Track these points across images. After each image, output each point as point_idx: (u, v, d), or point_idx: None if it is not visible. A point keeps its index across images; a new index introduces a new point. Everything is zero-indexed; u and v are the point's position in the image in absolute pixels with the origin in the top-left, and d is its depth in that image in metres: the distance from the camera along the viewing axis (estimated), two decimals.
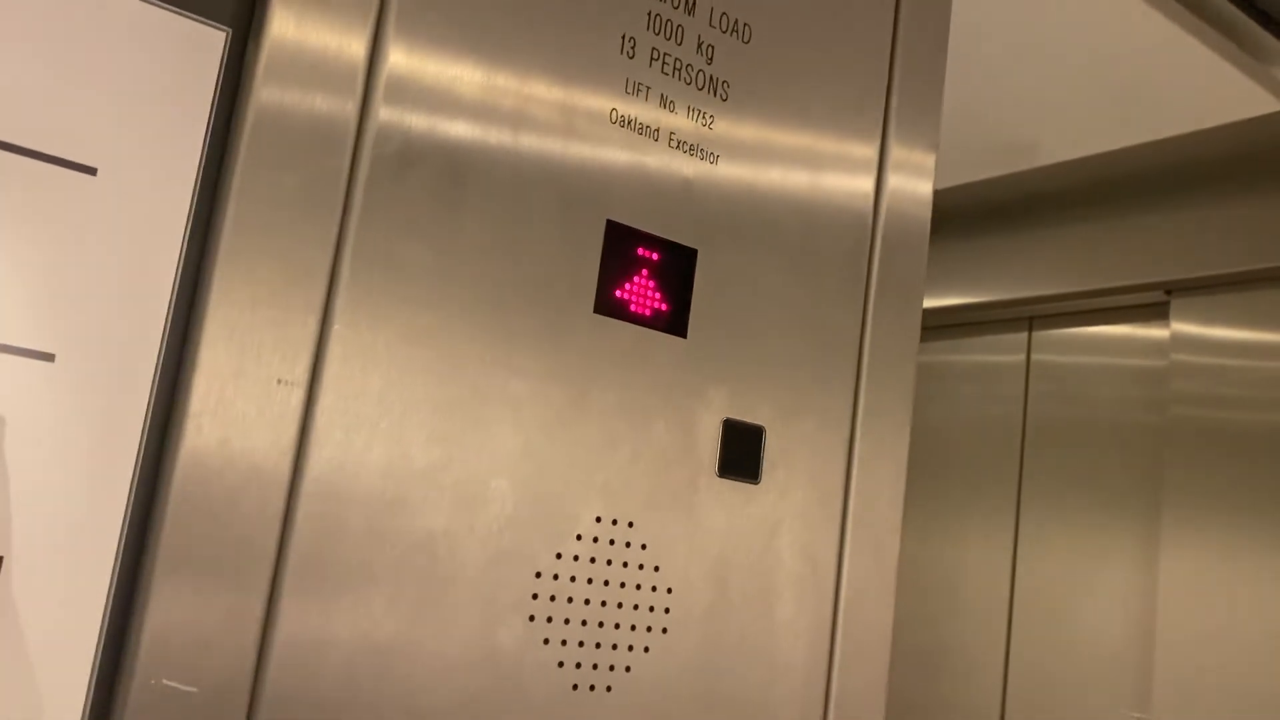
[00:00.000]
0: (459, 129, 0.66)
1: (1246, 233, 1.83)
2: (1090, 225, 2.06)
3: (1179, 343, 1.95)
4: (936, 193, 2.24)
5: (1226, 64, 1.49)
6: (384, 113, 0.63)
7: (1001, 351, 2.33)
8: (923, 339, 2.60)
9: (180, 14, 0.58)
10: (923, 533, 2.41)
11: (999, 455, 2.28)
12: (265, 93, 0.59)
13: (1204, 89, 1.58)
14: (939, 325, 2.44)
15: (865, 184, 0.87)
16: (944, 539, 2.36)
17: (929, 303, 2.35)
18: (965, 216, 2.27)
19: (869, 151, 0.87)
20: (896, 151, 0.89)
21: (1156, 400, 1.99)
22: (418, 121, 0.65)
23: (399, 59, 0.64)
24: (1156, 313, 2.02)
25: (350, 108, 0.63)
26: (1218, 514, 1.83)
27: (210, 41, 0.59)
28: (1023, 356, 2.28)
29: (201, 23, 0.58)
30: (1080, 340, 2.20)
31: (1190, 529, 1.87)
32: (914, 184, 0.90)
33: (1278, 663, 1.73)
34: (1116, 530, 2.04)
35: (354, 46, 0.63)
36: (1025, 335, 2.28)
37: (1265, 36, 1.36)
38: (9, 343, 0.53)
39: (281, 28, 0.60)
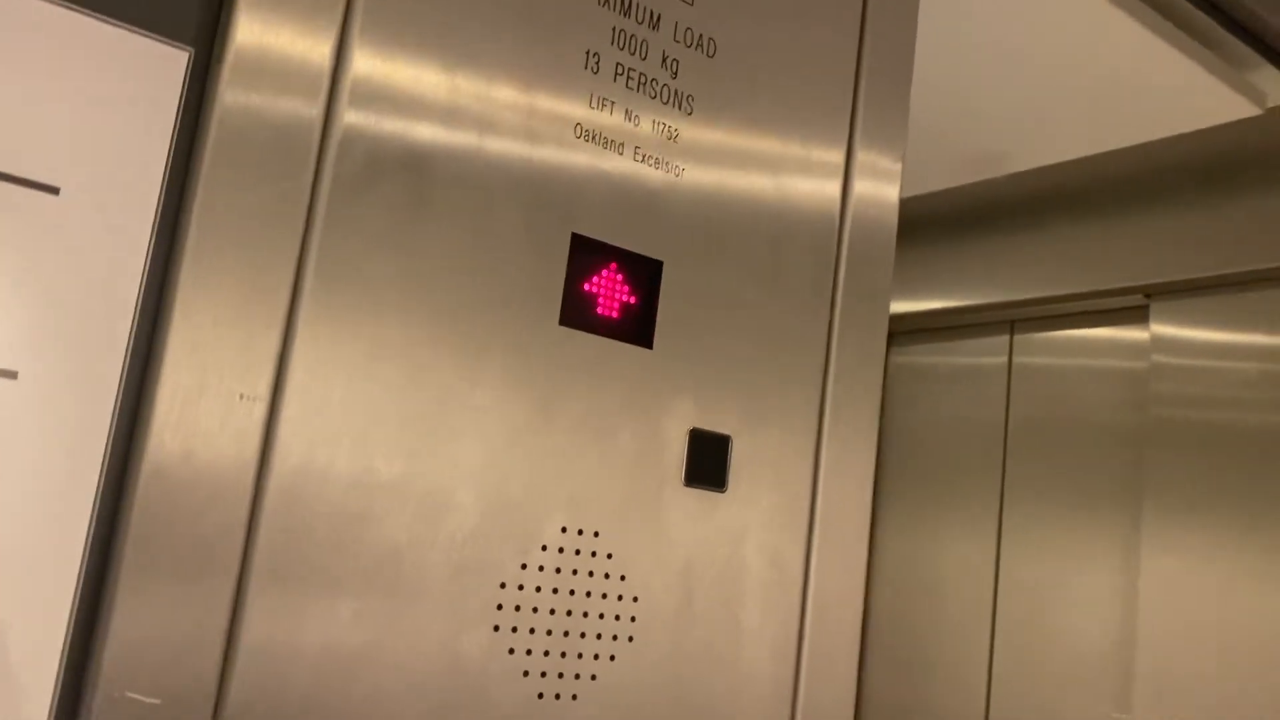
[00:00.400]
0: (424, 143, 0.67)
1: (1223, 237, 1.84)
2: (1070, 230, 2.08)
3: (1159, 344, 1.96)
4: (919, 198, 2.27)
5: (1202, 70, 1.51)
6: (347, 130, 0.64)
7: (984, 354, 2.35)
8: (906, 342, 2.63)
9: (143, 35, 0.58)
10: (907, 534, 2.42)
11: (982, 457, 2.29)
12: (227, 111, 0.60)
13: (1180, 95, 1.59)
14: (923, 329, 2.45)
15: (831, 193, 0.88)
16: (928, 540, 2.37)
17: (913, 306, 2.37)
18: (947, 221, 2.28)
19: (835, 161, 0.88)
20: (862, 159, 0.90)
21: (1137, 401, 2.01)
22: (382, 138, 0.65)
23: (362, 78, 0.65)
24: (1136, 315, 2.04)
25: (313, 124, 0.63)
26: (1198, 514, 1.85)
27: (173, 61, 0.59)
28: (1005, 359, 2.30)
29: (165, 43, 0.59)
30: (1062, 343, 2.21)
31: (1170, 529, 1.88)
32: (880, 191, 0.91)
33: (1257, 662, 1.74)
34: (1099, 531, 2.05)
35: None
36: (1007, 338, 2.30)
37: (1237, 44, 1.38)
38: None
39: (243, 49, 0.61)
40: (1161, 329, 1.96)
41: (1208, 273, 1.86)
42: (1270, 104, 1.60)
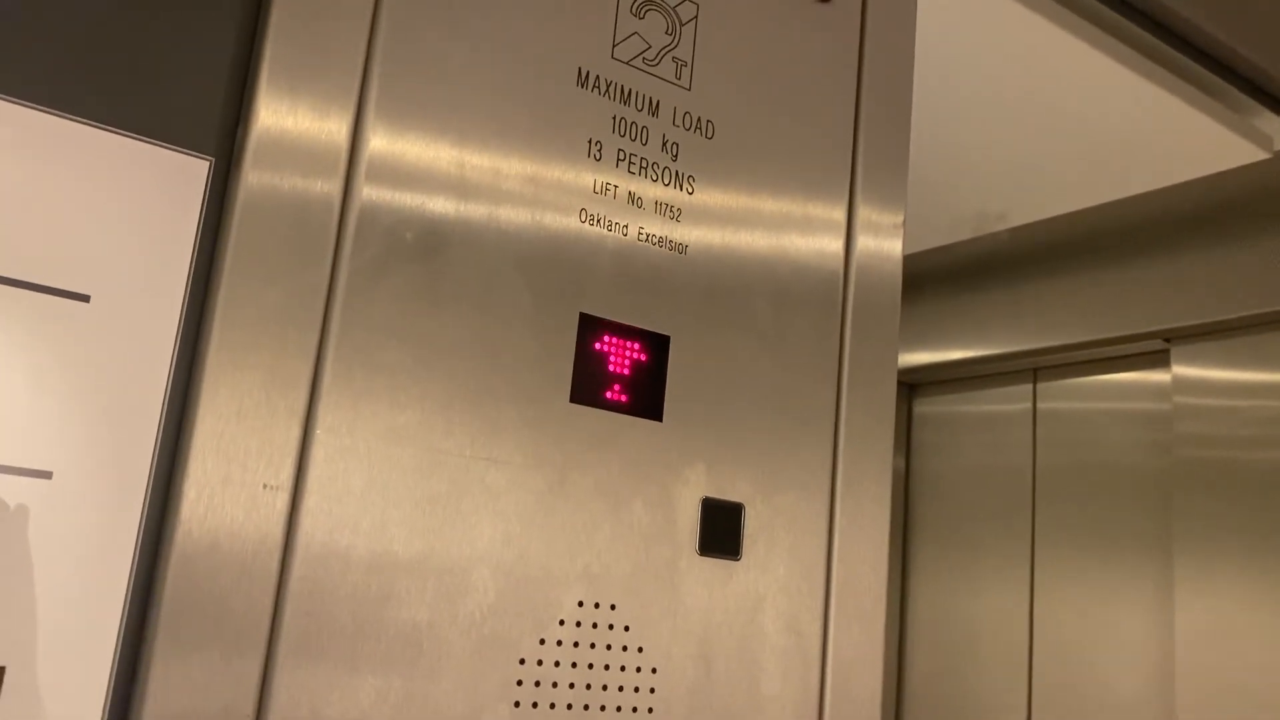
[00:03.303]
0: (436, 220, 0.70)
1: (1240, 279, 1.85)
2: (1089, 277, 2.09)
3: (1180, 386, 1.96)
4: (937, 251, 2.28)
5: (1206, 118, 1.53)
6: (364, 206, 0.67)
7: (1008, 402, 2.35)
8: (931, 393, 2.62)
9: (167, 148, 0.62)
10: (939, 585, 2.40)
11: (1012, 504, 2.28)
12: (248, 199, 0.64)
13: (1185, 143, 1.60)
14: (946, 379, 2.46)
15: (834, 253, 0.90)
16: (961, 590, 2.36)
17: (936, 357, 2.38)
18: (966, 273, 2.30)
19: (835, 231, 0.91)
20: (863, 226, 0.92)
21: (1163, 443, 2.00)
22: (397, 213, 0.69)
23: (378, 155, 0.68)
24: (1158, 359, 2.04)
25: (332, 201, 0.66)
26: (1228, 554, 1.83)
27: (194, 170, 0.63)
28: (1029, 406, 2.30)
29: (186, 154, 0.63)
30: (1085, 388, 2.21)
31: (1202, 570, 1.86)
32: (881, 258, 0.93)
33: None
34: (1132, 575, 2.04)
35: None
36: (1030, 386, 2.30)
37: (1240, 94, 1.40)
38: (9, 463, 0.56)
39: (262, 135, 0.65)
40: (1183, 371, 1.96)
41: (1226, 315, 1.86)
42: (1278, 147, 1.61)
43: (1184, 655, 1.86)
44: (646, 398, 0.78)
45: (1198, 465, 1.90)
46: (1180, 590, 1.88)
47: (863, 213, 0.92)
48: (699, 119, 0.83)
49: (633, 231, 0.79)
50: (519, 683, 0.70)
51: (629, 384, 0.77)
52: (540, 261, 0.74)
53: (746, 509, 0.82)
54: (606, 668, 0.74)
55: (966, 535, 2.37)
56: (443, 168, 0.71)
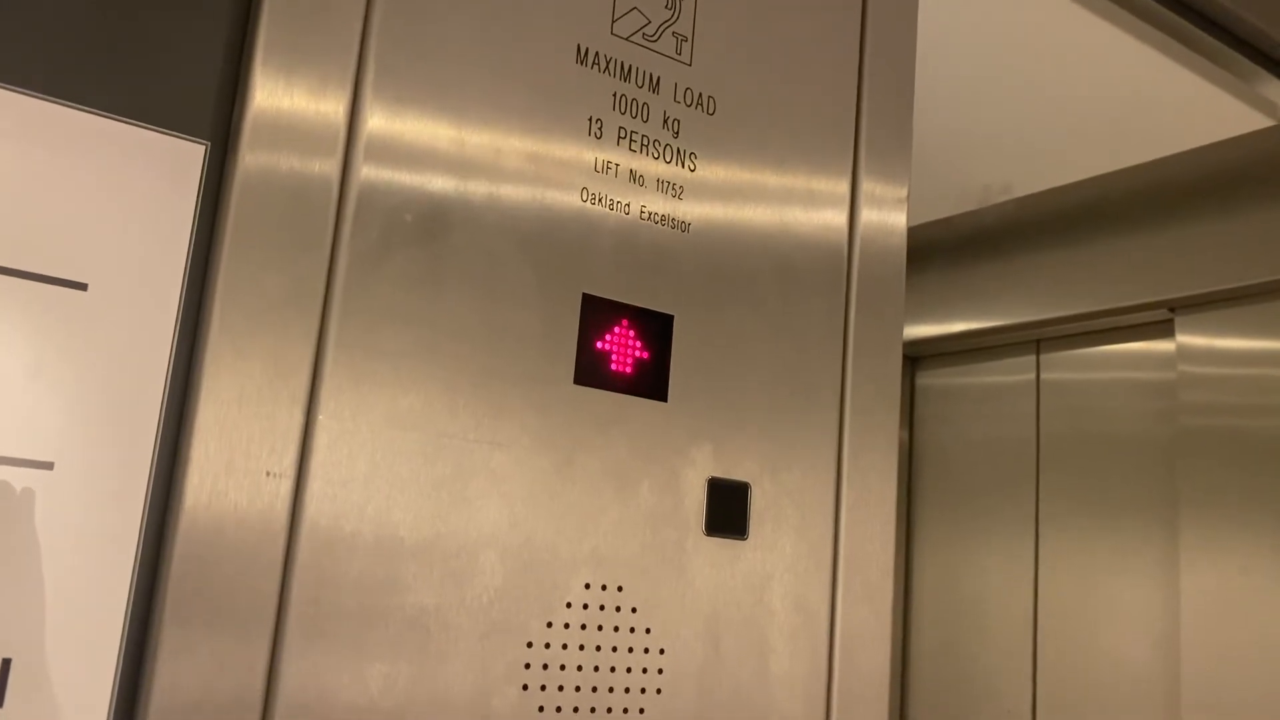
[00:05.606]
0: (436, 201, 0.69)
1: (1245, 248, 1.83)
2: (1092, 247, 2.07)
3: (1185, 355, 1.95)
4: (938, 223, 2.26)
5: (1211, 85, 1.51)
6: (363, 186, 0.67)
7: (1012, 373, 2.34)
8: (933, 365, 2.61)
9: (161, 132, 0.61)
10: (944, 557, 2.41)
11: (1016, 475, 2.28)
12: (246, 180, 0.63)
13: (1190, 110, 1.59)
14: (949, 351, 2.45)
15: (838, 228, 0.90)
16: (966, 561, 2.36)
17: (938, 330, 2.37)
18: (968, 245, 2.28)
19: (839, 205, 0.90)
20: (867, 199, 0.91)
21: (1168, 412, 2.00)
22: (396, 194, 0.68)
23: (377, 134, 0.68)
24: (1162, 329, 2.03)
25: (330, 182, 0.66)
26: (1233, 523, 1.83)
27: (191, 155, 0.62)
28: (1032, 377, 2.29)
29: (182, 139, 0.62)
30: (1089, 359, 2.20)
31: (1208, 540, 1.86)
32: (885, 231, 0.92)
33: None
34: (1137, 544, 2.04)
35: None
36: (1034, 357, 2.29)
37: (1244, 60, 1.38)
38: (9, 454, 0.56)
39: (259, 116, 0.64)
40: (1188, 340, 1.95)
41: (1231, 284, 1.85)
42: None
43: (1189, 624, 1.86)
44: (651, 378, 0.77)
45: (1203, 434, 1.90)
46: (1185, 559, 1.88)
47: (866, 186, 0.91)
48: (700, 95, 0.82)
49: (635, 210, 0.78)
50: (527, 665, 0.70)
51: (633, 365, 0.77)
52: (542, 241, 0.73)
53: (753, 488, 0.81)
54: (615, 649, 0.73)
55: (971, 507, 2.37)
56: (442, 147, 0.70)
